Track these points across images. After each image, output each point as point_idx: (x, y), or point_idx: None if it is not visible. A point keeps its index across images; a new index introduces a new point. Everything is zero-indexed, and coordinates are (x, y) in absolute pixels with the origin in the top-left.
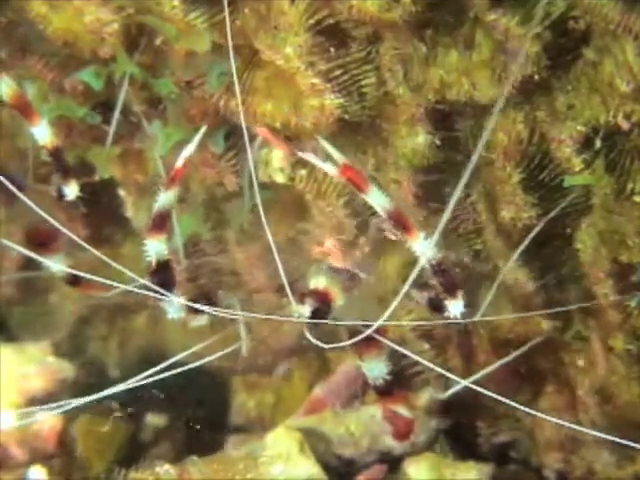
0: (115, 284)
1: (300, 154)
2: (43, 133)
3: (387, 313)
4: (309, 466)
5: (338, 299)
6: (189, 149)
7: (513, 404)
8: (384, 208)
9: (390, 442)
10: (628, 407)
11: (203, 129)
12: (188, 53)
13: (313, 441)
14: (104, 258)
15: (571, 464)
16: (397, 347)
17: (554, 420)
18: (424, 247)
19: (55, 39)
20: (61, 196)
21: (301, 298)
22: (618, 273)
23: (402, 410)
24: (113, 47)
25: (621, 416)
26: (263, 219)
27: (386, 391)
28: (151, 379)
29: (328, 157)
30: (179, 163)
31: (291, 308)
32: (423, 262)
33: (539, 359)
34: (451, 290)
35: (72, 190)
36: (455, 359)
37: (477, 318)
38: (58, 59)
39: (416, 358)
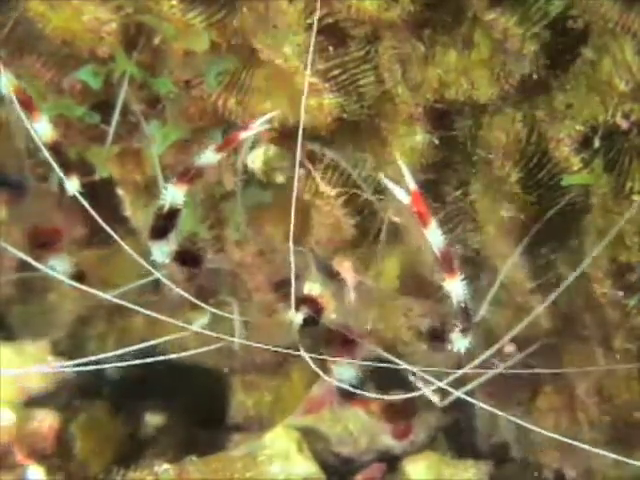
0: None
1: (382, 178)
2: (44, 128)
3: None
4: (308, 465)
5: (329, 307)
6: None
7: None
8: (438, 247)
9: (388, 441)
10: (627, 407)
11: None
12: (187, 52)
13: (311, 440)
14: (125, 247)
15: (569, 463)
16: (390, 357)
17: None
18: (460, 290)
19: (54, 38)
20: (62, 191)
21: (296, 304)
22: (617, 272)
23: (361, 413)
24: (112, 46)
25: (620, 416)
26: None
27: (348, 395)
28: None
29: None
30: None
31: (286, 315)
32: (455, 302)
33: (537, 358)
34: (466, 330)
35: (73, 185)
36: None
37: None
38: (57, 58)
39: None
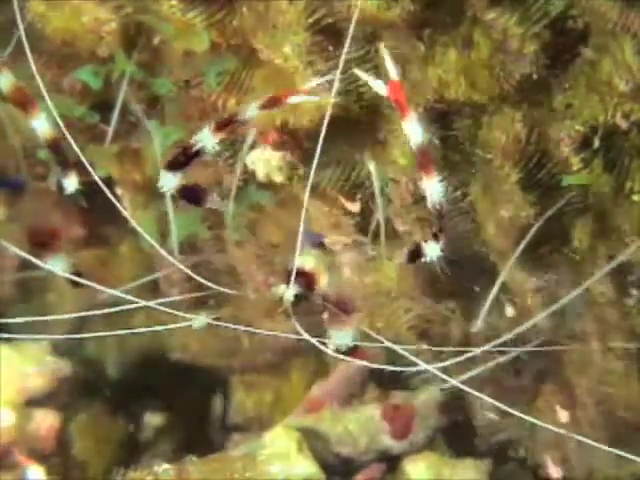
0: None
1: (356, 71)
2: (42, 126)
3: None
4: (307, 465)
5: (322, 281)
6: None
7: (510, 410)
8: (416, 142)
9: (388, 441)
10: (626, 407)
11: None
12: (186, 52)
13: (311, 440)
14: (144, 234)
15: (569, 463)
16: (394, 346)
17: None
18: (437, 189)
19: (53, 38)
20: (61, 189)
21: (287, 278)
22: (617, 272)
23: (360, 362)
24: (111, 46)
25: (619, 416)
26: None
27: (345, 353)
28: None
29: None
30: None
31: (276, 290)
32: (429, 202)
33: (537, 358)
34: (438, 235)
35: (72, 183)
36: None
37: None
38: (56, 58)
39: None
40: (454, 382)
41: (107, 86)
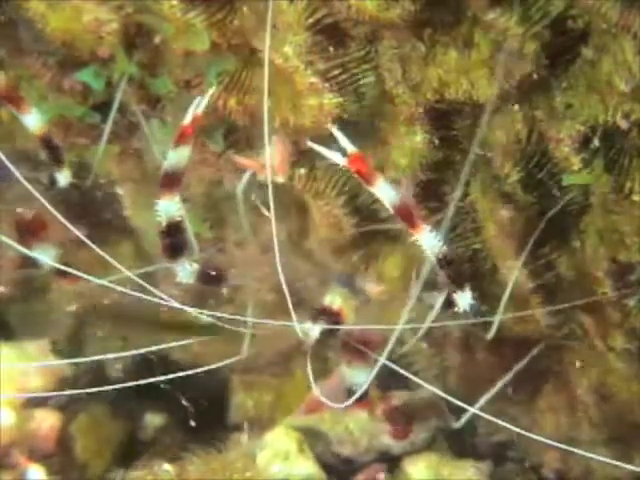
0: (93, 278)
1: (309, 144)
2: (33, 121)
3: None
4: (308, 465)
5: (349, 319)
6: (201, 104)
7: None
8: (391, 202)
9: (388, 441)
10: (627, 406)
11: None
12: (187, 52)
13: (312, 440)
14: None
15: (569, 463)
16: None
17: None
18: (431, 240)
19: (53, 39)
20: (52, 184)
21: (313, 315)
22: (617, 272)
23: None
24: (112, 47)
25: (620, 415)
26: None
27: (359, 398)
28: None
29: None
30: (187, 120)
31: (299, 328)
32: (430, 256)
33: (537, 358)
34: (459, 283)
35: (64, 177)
36: (453, 358)
37: None
38: (57, 58)
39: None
40: (473, 410)
41: (108, 86)
